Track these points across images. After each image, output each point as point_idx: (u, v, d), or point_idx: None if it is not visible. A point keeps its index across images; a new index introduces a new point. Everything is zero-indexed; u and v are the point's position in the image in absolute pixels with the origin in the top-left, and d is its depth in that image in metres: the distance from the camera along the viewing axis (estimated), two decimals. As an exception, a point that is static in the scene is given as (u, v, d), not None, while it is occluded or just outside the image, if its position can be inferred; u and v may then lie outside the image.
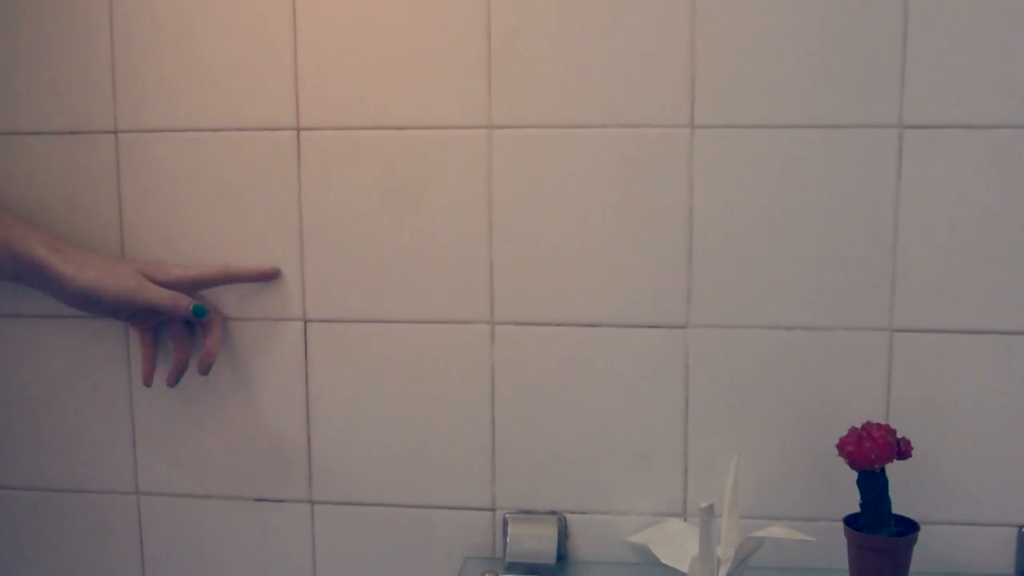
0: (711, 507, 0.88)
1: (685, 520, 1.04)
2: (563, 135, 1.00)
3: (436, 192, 1.02)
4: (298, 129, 1.03)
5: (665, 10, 0.97)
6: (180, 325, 1.05)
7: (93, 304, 1.00)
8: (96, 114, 1.05)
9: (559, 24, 0.99)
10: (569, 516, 1.06)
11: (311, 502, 1.09)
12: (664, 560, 0.98)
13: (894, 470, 0.92)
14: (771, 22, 0.96)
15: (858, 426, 0.92)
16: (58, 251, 0.99)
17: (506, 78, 1.00)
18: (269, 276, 1.05)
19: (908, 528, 0.92)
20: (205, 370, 1.05)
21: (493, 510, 1.07)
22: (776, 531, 0.95)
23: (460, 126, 1.01)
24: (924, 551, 0.94)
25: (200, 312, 1.02)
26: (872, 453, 0.89)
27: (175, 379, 1.06)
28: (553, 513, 1.06)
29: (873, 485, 0.91)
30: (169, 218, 1.06)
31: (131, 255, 1.07)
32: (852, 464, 0.91)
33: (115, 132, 1.06)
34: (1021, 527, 1.00)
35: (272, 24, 1.02)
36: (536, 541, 1.04)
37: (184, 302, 1.02)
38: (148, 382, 1.07)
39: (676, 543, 0.99)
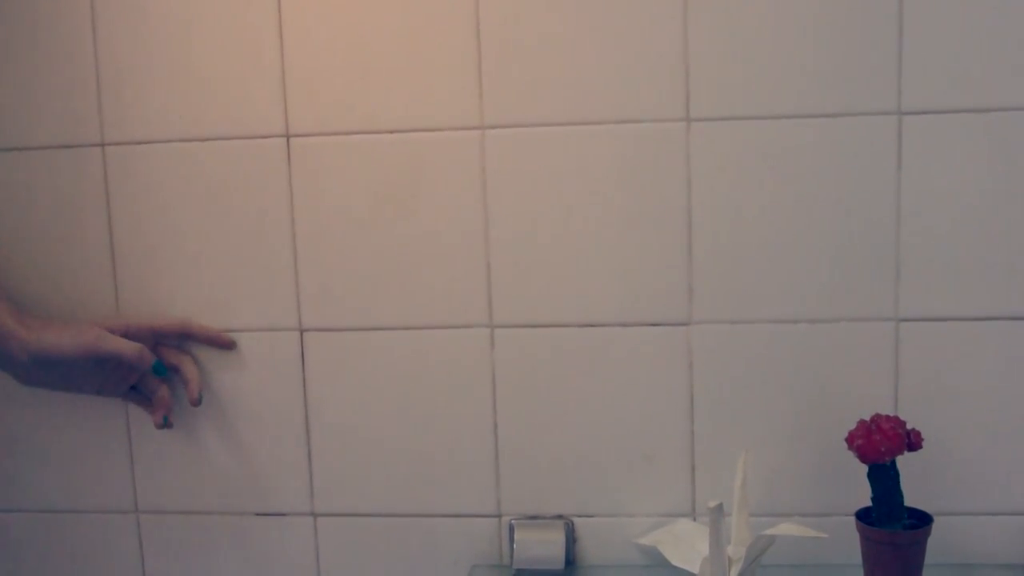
0: (720, 506, 0.87)
1: (694, 520, 1.02)
2: (557, 133, 0.99)
3: (430, 195, 1.01)
4: (288, 136, 1.02)
5: (656, 2, 0.96)
6: (153, 380, 1.04)
7: (55, 365, 0.97)
8: (82, 127, 1.04)
9: (549, 20, 0.98)
10: (576, 520, 1.04)
11: (313, 515, 1.08)
12: (674, 562, 0.97)
13: (905, 462, 0.91)
14: (764, 11, 0.95)
15: (867, 418, 0.91)
16: (18, 319, 0.96)
17: (497, 77, 0.99)
18: (227, 344, 1.05)
19: (921, 520, 0.91)
20: (197, 400, 1.03)
21: (499, 516, 1.05)
22: (787, 528, 0.94)
23: (452, 127, 1.00)
24: (939, 543, 0.93)
25: (160, 370, 1.01)
26: (882, 446, 0.88)
27: (163, 418, 1.04)
28: (560, 517, 1.04)
29: (884, 478, 0.90)
30: (159, 230, 1.05)
31: (121, 269, 1.06)
32: (862, 457, 0.90)
33: (102, 145, 1.04)
34: (1036, 515, 0.99)
35: (258, 31, 1.01)
36: (543, 546, 1.02)
37: (147, 356, 0.99)
38: (160, 423, 1.04)
39: (686, 544, 0.98)
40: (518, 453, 1.04)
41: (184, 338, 1.05)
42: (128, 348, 0.98)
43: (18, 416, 1.10)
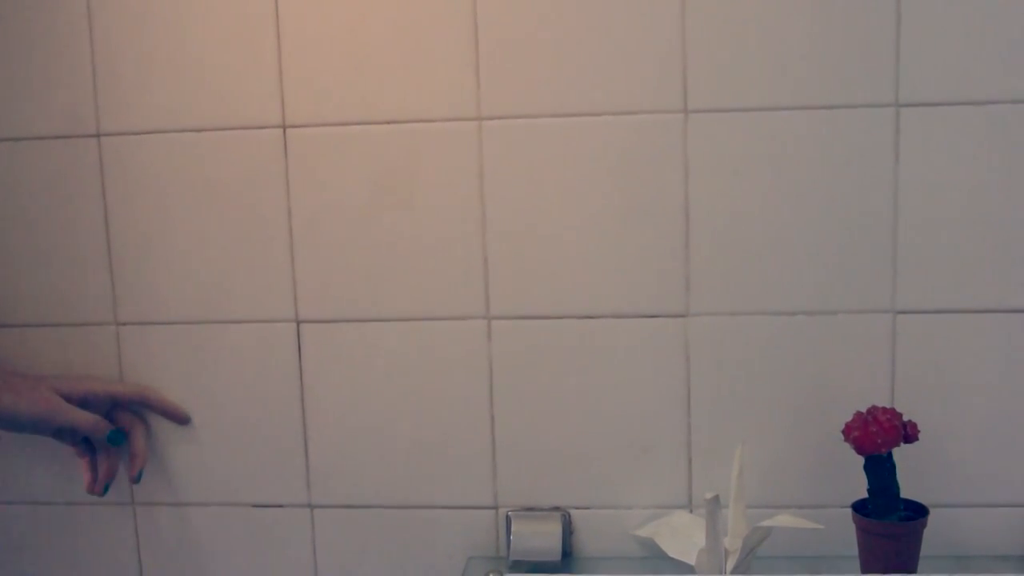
0: (717, 498, 0.87)
1: (691, 512, 1.02)
2: (554, 124, 0.99)
3: (427, 186, 1.01)
4: (284, 127, 1.02)
5: (654, -7, 0.96)
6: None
7: (8, 425, 0.98)
8: (78, 117, 1.04)
9: (546, 11, 0.97)
10: (573, 512, 1.04)
11: (310, 506, 1.08)
12: (671, 553, 0.97)
13: (901, 454, 0.91)
14: (762, 2, 0.95)
15: (863, 410, 0.91)
16: None
17: (494, 68, 0.99)
18: (182, 419, 1.06)
19: (917, 512, 0.91)
20: (136, 478, 1.05)
21: (495, 508, 1.05)
22: (784, 520, 0.94)
23: (449, 118, 1.00)
24: (934, 535, 0.93)
25: (115, 439, 1.02)
26: (878, 437, 0.88)
27: (103, 487, 1.05)
28: (556, 509, 1.04)
29: (880, 470, 0.90)
30: (155, 221, 1.05)
31: (117, 260, 1.06)
32: (858, 449, 0.90)
33: (98, 135, 1.04)
34: (1031, 507, 0.99)
35: (255, 21, 1.01)
36: (540, 538, 1.02)
37: (102, 427, 1.01)
38: (91, 489, 1.06)
39: (682, 536, 0.98)
40: (515, 445, 1.04)
41: (141, 407, 1.06)
42: (84, 421, 1.00)
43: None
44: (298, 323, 1.05)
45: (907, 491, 0.92)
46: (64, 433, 1.02)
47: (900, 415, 0.90)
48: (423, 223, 1.01)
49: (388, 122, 1.00)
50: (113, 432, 1.02)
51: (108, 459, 1.05)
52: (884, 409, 0.90)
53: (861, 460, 0.91)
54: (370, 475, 1.06)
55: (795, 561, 1.00)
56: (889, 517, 0.90)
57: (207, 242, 1.04)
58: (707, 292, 0.99)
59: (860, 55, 0.95)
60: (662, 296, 1.00)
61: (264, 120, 1.02)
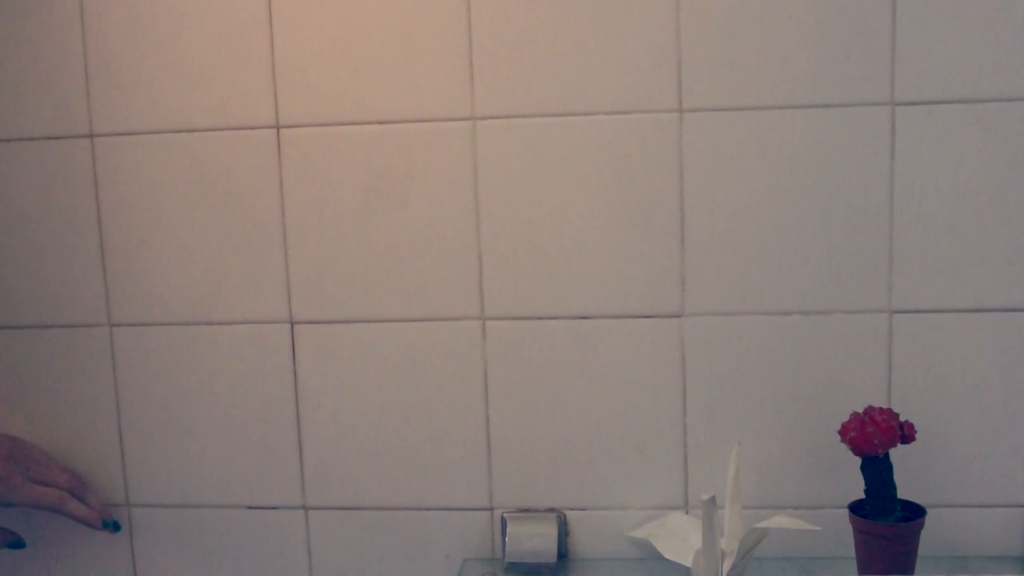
0: (713, 499, 0.87)
1: (687, 513, 1.02)
2: (548, 124, 0.98)
3: (421, 186, 1.01)
4: (278, 127, 1.01)
5: (648, -8, 0.96)
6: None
7: None
8: (71, 118, 1.04)
9: (540, 10, 0.97)
10: (569, 513, 1.04)
11: (305, 508, 1.07)
12: (667, 555, 0.96)
13: (898, 454, 0.91)
14: (757, 1, 0.95)
15: (860, 411, 0.91)
16: None
17: (488, 67, 0.98)
18: (96, 526, 1.05)
19: (915, 513, 0.91)
20: (109, 525, 1.08)
21: (491, 510, 1.05)
22: (780, 521, 0.94)
23: (443, 118, 0.99)
24: (932, 535, 0.93)
25: (17, 546, 1.04)
26: (875, 438, 0.88)
27: (102, 524, 1.07)
28: (552, 511, 1.04)
29: (877, 470, 0.90)
30: (149, 222, 1.05)
31: (110, 260, 1.05)
32: (855, 450, 0.89)
33: (91, 136, 1.04)
34: (1029, 508, 0.99)
35: (248, 21, 1.01)
36: (536, 540, 1.02)
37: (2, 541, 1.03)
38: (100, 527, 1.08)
39: (678, 537, 0.97)
40: (510, 446, 1.04)
41: (58, 514, 1.04)
42: None
43: (11, 406, 1.09)
44: (292, 324, 1.04)
45: (904, 491, 0.91)
46: None
47: (897, 415, 0.90)
48: (417, 223, 1.01)
49: (382, 122, 1.00)
50: (12, 543, 1.03)
51: (78, 510, 1.05)
52: (881, 409, 0.90)
53: (858, 461, 0.90)
54: (365, 477, 1.06)
55: (792, 562, 1.00)
56: (886, 518, 0.90)
57: (201, 243, 1.04)
58: (702, 292, 0.99)
59: (856, 54, 0.94)
60: (657, 296, 0.99)
61: (257, 120, 1.02)
